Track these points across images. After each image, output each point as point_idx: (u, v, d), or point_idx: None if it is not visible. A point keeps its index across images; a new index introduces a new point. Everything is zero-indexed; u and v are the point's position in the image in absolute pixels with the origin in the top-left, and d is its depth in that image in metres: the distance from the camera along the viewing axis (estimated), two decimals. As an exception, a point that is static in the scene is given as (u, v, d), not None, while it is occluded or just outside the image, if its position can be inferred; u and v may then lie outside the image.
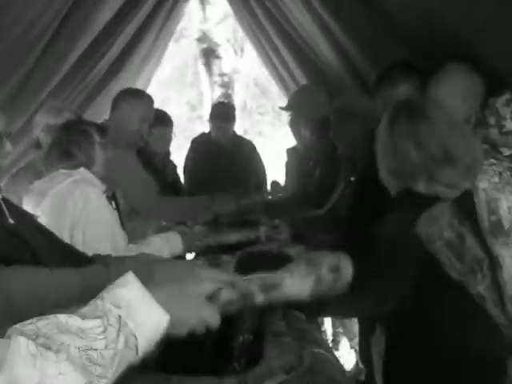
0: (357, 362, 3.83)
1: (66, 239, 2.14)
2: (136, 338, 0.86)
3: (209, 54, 9.53)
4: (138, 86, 4.77)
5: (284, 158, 4.08)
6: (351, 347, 4.15)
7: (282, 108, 3.72)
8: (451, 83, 1.89)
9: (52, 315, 0.83)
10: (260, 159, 4.65)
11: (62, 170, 2.34)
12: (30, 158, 3.13)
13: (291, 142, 3.96)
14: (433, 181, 1.44)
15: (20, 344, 0.76)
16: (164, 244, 2.40)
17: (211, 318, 1.01)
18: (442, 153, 1.43)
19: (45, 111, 2.97)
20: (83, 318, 0.84)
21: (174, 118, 3.75)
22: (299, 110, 3.46)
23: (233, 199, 3.23)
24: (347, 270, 1.34)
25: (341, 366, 1.41)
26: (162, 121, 3.54)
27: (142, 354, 0.88)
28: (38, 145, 2.99)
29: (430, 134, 1.46)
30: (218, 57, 9.72)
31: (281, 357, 1.14)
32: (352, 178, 2.72)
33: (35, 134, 2.98)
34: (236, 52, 10.92)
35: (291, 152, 3.98)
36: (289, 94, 4.58)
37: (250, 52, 10.74)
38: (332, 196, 2.81)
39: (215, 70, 9.73)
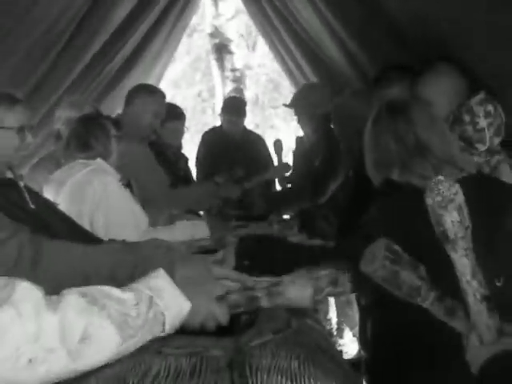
0: (359, 350, 3.96)
1: (86, 225, 2.28)
2: (163, 316, 1.02)
3: (221, 49, 9.63)
4: (151, 80, 4.91)
5: (295, 150, 4.21)
6: (353, 335, 4.28)
7: (285, 105, 3.86)
8: (437, 83, 2.08)
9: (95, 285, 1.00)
10: (269, 153, 4.76)
11: (81, 160, 2.48)
12: (51, 150, 3.26)
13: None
14: (406, 170, 1.62)
15: (71, 297, 0.92)
16: (188, 230, 2.54)
17: (221, 315, 1.17)
18: (417, 146, 1.62)
19: (66, 106, 3.09)
20: (123, 291, 1.00)
21: (186, 112, 3.86)
22: (300, 107, 3.59)
23: (237, 184, 3.35)
24: (346, 285, 1.44)
25: (327, 336, 1.53)
26: (175, 115, 3.64)
27: (167, 331, 1.04)
28: (58, 137, 3.11)
29: (407, 130, 1.64)
30: (230, 52, 9.82)
31: (270, 321, 1.28)
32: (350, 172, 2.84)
33: (56, 127, 3.11)
34: (248, 47, 11.03)
35: (299, 141, 4.11)
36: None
37: (262, 47, 10.85)
38: (330, 187, 2.94)
39: (227, 64, 9.83)
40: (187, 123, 3.87)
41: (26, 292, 0.88)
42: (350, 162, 2.82)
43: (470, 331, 1.29)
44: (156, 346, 1.07)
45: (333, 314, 4.59)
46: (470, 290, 1.25)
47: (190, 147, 4.87)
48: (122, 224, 2.36)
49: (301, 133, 4.14)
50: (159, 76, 5.59)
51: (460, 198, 1.25)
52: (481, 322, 1.25)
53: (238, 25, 10.23)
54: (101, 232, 2.29)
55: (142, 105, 3.12)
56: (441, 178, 1.28)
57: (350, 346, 4.27)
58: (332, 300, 4.41)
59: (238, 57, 10.18)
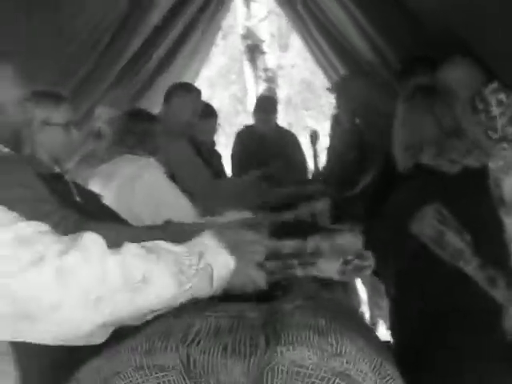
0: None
1: (134, 220, 2.35)
2: (212, 269, 1.11)
3: (253, 50, 9.74)
4: (187, 80, 5.03)
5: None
6: (387, 329, 4.32)
7: (328, 89, 3.93)
8: (456, 73, 2.14)
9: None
10: (301, 150, 4.84)
11: (129, 156, 2.57)
12: (90, 148, 3.39)
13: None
14: (440, 153, 1.63)
15: (130, 246, 1.01)
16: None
17: (259, 280, 1.26)
18: (454, 127, 1.64)
19: (106, 104, 3.22)
20: (175, 245, 1.09)
21: (220, 113, 3.97)
22: (343, 92, 3.65)
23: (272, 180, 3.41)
24: (371, 259, 1.51)
25: (353, 305, 1.58)
26: (208, 113, 3.74)
27: (214, 288, 1.12)
28: (98, 135, 3.22)
29: (445, 112, 1.66)
30: (262, 52, 9.91)
31: (300, 290, 1.37)
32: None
33: (96, 125, 3.20)
34: (280, 47, 11.11)
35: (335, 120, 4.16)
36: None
37: (295, 47, 10.91)
38: (362, 179, 2.99)
39: (260, 65, 9.93)
40: (222, 123, 3.96)
41: (92, 239, 0.97)
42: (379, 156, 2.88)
43: (509, 302, 1.35)
44: (196, 310, 1.17)
45: (365, 307, 4.64)
46: None
47: (226, 148, 4.98)
48: (172, 215, 2.43)
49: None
50: (194, 76, 5.72)
51: None
52: None
53: (270, 25, 10.32)
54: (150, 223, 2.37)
55: (180, 102, 3.23)
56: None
57: (385, 338, 4.30)
58: (364, 294, 4.46)
59: (271, 57, 10.26)
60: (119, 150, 2.61)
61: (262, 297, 1.29)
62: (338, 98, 3.73)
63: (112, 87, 3.78)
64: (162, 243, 1.09)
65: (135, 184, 2.45)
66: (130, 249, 1.02)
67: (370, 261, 1.36)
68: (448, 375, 1.57)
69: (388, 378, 1.04)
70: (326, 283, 1.50)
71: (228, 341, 1.06)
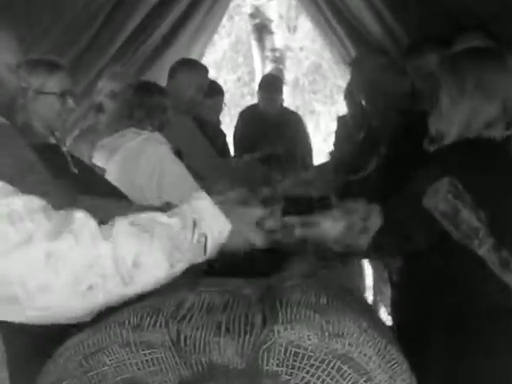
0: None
1: (138, 195, 2.29)
2: (206, 239, 1.05)
3: (261, 29, 9.60)
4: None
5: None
6: (388, 314, 4.27)
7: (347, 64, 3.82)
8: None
9: (146, 212, 1.04)
10: (306, 132, 4.74)
11: (133, 129, 2.48)
12: (91, 123, 3.32)
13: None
14: (493, 125, 1.52)
15: (122, 224, 0.96)
16: None
17: (258, 239, 1.18)
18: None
19: (109, 77, 3.07)
20: (169, 216, 1.04)
21: (226, 94, 3.88)
22: (360, 68, 3.54)
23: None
24: (376, 220, 1.46)
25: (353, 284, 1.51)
26: (213, 91, 3.63)
27: (207, 256, 1.06)
28: (100, 109, 3.12)
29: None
30: (270, 32, 9.77)
31: (299, 267, 1.30)
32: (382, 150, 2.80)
33: (98, 99, 3.07)
34: (289, 28, 10.96)
35: (341, 120, 4.09)
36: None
37: (303, 30, 10.77)
38: (370, 162, 2.91)
39: (267, 44, 9.79)
40: (228, 104, 3.88)
41: (83, 221, 0.92)
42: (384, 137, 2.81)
43: None
44: (190, 285, 1.10)
45: (369, 293, 4.59)
46: None
47: (231, 130, 4.91)
48: (175, 194, 2.32)
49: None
50: (199, 56, 5.62)
51: None
52: None
53: (279, 5, 10.17)
54: (154, 197, 2.33)
55: (185, 78, 3.14)
56: None
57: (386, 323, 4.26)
58: (369, 279, 4.42)
59: (279, 38, 10.11)
60: (124, 124, 2.54)
61: (259, 272, 1.21)
62: (354, 75, 3.62)
63: (114, 61, 3.71)
64: (156, 216, 1.03)
65: (139, 158, 2.41)
66: (122, 227, 0.96)
67: (376, 223, 1.26)
68: (452, 359, 1.54)
69: (393, 362, 0.97)
70: (326, 263, 1.43)
71: (222, 318, 1.00)
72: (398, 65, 3.07)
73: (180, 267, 1.01)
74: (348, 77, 3.70)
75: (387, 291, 4.11)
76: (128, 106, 2.57)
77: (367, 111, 3.01)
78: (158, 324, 0.98)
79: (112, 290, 0.92)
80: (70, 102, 2.05)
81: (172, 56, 4.43)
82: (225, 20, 7.88)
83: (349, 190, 2.80)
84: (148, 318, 0.99)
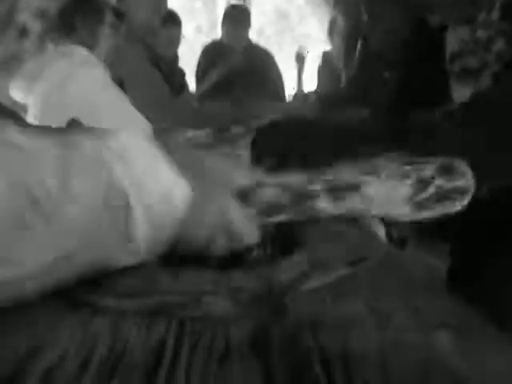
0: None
1: (64, 123, 1.89)
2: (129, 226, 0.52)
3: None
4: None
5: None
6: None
7: None
8: None
9: None
10: (277, 68, 4.36)
11: (59, 49, 2.03)
12: (13, 50, 2.86)
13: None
14: None
15: None
16: None
17: (243, 228, 0.61)
18: None
19: None
20: None
21: (184, 45, 3.62)
22: None
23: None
24: (468, 176, 0.81)
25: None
26: (170, 20, 3.34)
27: (140, 257, 0.55)
28: (23, 33, 2.71)
29: None
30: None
31: (336, 245, 0.70)
32: (386, 75, 2.46)
33: (20, 20, 2.70)
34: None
35: (326, 55, 3.86)
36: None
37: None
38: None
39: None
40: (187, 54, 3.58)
41: None
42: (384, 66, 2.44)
43: None
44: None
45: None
46: None
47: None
48: (114, 123, 1.94)
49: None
50: None
51: None
52: None
53: None
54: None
55: None
56: None
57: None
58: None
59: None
60: (50, 39, 2.08)
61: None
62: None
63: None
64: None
65: (67, 84, 1.96)
66: None
67: (466, 179, 0.68)
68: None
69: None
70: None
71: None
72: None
73: None
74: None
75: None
76: (62, 13, 2.11)
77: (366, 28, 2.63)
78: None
79: None
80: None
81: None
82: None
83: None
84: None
